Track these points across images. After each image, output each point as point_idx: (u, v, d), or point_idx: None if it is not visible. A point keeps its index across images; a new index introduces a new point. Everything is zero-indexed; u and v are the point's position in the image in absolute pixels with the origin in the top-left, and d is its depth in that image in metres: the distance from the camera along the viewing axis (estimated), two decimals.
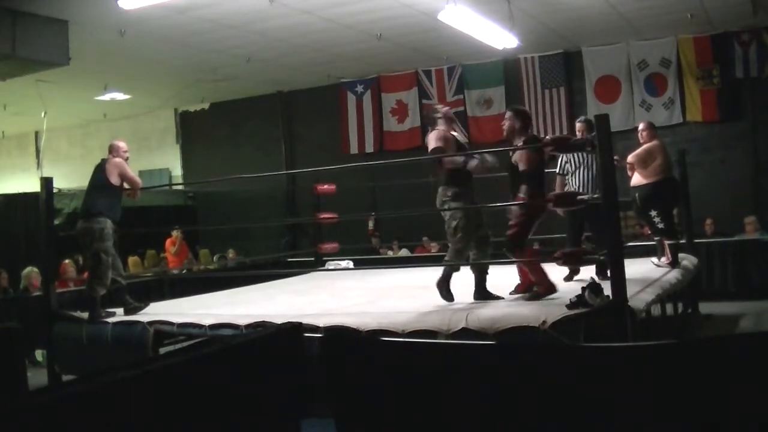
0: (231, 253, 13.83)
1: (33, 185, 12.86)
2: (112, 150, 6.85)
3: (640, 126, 7.83)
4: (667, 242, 7.49)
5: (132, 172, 6.91)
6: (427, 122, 6.43)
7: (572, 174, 7.08)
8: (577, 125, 7.26)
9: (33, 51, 8.99)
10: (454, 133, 6.01)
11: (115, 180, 6.65)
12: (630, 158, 7.57)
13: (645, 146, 7.52)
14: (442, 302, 5.87)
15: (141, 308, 6.57)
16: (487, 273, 5.86)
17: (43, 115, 13.78)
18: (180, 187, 16.67)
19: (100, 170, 6.69)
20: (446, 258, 5.87)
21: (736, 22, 11.56)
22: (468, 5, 9.18)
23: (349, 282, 8.19)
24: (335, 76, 14.13)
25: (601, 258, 5.34)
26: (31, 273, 9.54)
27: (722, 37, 12.00)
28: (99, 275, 6.49)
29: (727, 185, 12.10)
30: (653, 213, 7.46)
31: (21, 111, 14.38)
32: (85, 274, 7.36)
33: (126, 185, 6.84)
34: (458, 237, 5.70)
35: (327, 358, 3.28)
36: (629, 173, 7.77)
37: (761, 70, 11.80)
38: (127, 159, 6.87)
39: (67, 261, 10.96)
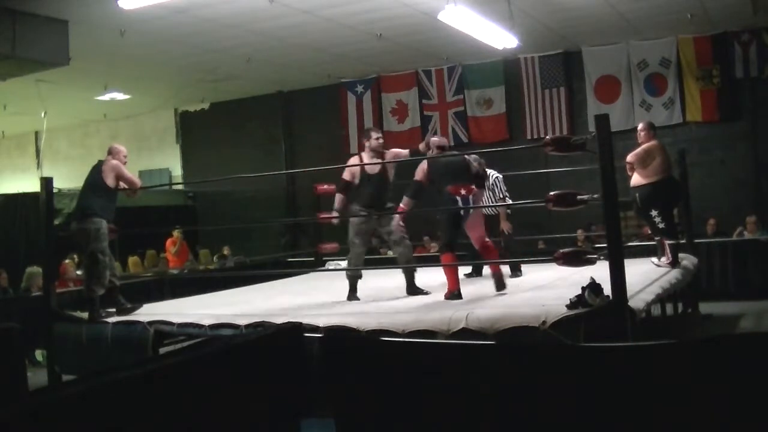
0: (226, 250, 13.81)
1: (33, 185, 12.86)
2: (112, 152, 6.84)
3: (639, 126, 7.82)
4: (667, 242, 7.49)
5: (129, 173, 6.89)
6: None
7: None
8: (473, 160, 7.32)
9: (33, 51, 8.99)
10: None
11: (111, 182, 6.63)
12: (629, 158, 7.57)
13: (644, 146, 7.52)
14: (443, 302, 5.91)
15: (134, 309, 6.56)
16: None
17: (43, 115, 13.78)
18: (180, 187, 16.67)
19: (97, 171, 6.67)
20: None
21: (736, 22, 11.56)
22: (468, 5, 9.17)
23: None
24: (335, 76, 14.13)
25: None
26: (35, 273, 9.48)
27: (722, 37, 12.00)
28: (97, 275, 6.48)
29: (727, 185, 12.10)
30: (654, 213, 7.45)
31: (21, 111, 14.38)
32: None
33: (123, 186, 6.82)
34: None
35: (327, 358, 3.28)
36: (629, 173, 7.76)
37: (761, 70, 11.79)
38: (125, 164, 6.85)
39: (67, 261, 10.97)
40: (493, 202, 7.50)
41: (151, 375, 2.77)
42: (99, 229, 6.47)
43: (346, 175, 6.67)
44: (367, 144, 6.64)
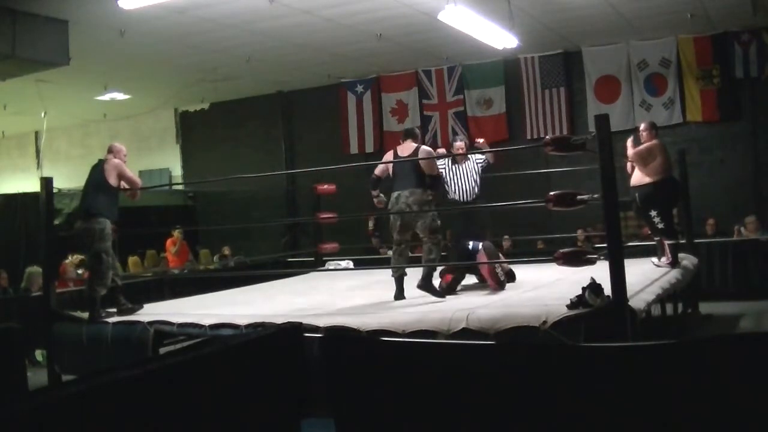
0: (227, 251, 13.83)
1: (33, 185, 12.86)
2: (112, 151, 6.85)
3: (641, 126, 7.83)
4: (667, 242, 7.49)
5: (131, 172, 6.89)
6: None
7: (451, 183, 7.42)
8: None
9: (33, 51, 8.99)
10: None
11: (113, 181, 6.64)
12: (630, 153, 7.57)
13: (646, 144, 7.53)
14: (442, 302, 5.91)
15: (135, 310, 6.56)
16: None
17: (43, 115, 13.78)
18: (180, 187, 16.68)
19: (99, 171, 6.67)
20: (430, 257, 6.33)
21: (736, 22, 11.56)
22: (468, 5, 9.17)
23: (349, 282, 8.19)
24: (335, 76, 14.13)
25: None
26: (34, 272, 9.48)
27: (722, 37, 11.99)
28: (100, 275, 6.49)
29: (727, 185, 12.10)
30: (653, 213, 7.46)
31: (21, 111, 14.38)
32: (85, 275, 7.36)
33: (125, 185, 6.83)
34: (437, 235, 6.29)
35: (327, 358, 3.29)
36: (628, 171, 7.77)
37: (761, 70, 11.79)
38: (125, 163, 6.86)
39: (67, 261, 10.97)
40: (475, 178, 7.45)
41: (151, 375, 2.77)
42: (104, 229, 6.48)
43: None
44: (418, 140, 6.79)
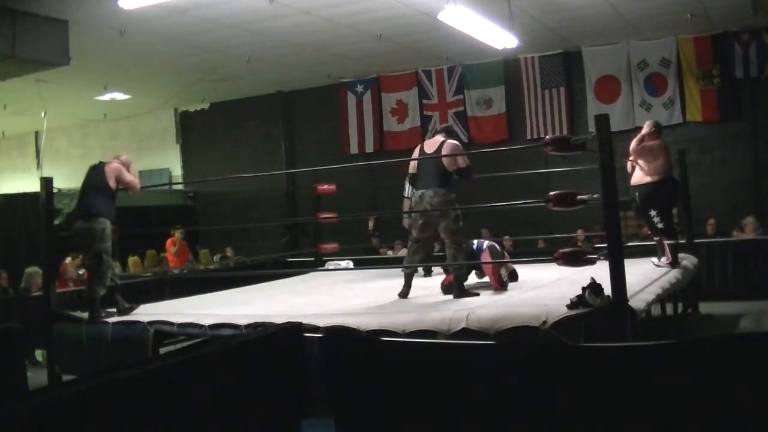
0: (229, 251, 13.84)
1: (33, 185, 12.86)
2: (118, 157, 6.90)
3: (647, 125, 7.82)
4: (666, 242, 7.49)
5: (130, 176, 6.88)
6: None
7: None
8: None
9: (33, 51, 8.99)
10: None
11: (113, 183, 6.66)
12: (632, 150, 7.57)
13: (648, 143, 7.53)
14: (443, 302, 5.90)
15: (132, 309, 6.57)
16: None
17: (43, 115, 13.78)
18: (180, 187, 16.68)
19: (99, 172, 6.68)
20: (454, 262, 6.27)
21: (736, 22, 11.56)
22: (468, 5, 9.17)
23: (349, 282, 8.19)
24: (335, 76, 14.13)
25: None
26: (33, 273, 9.49)
27: (722, 37, 12.00)
28: (100, 275, 6.49)
29: (727, 185, 12.10)
30: (653, 213, 7.46)
31: (21, 111, 14.39)
32: (85, 275, 7.36)
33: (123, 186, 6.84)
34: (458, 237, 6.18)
35: (327, 358, 3.29)
36: (629, 171, 7.77)
37: (761, 70, 11.79)
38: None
39: (67, 261, 10.97)
40: None
41: (151, 375, 2.77)
42: (104, 229, 6.49)
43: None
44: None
